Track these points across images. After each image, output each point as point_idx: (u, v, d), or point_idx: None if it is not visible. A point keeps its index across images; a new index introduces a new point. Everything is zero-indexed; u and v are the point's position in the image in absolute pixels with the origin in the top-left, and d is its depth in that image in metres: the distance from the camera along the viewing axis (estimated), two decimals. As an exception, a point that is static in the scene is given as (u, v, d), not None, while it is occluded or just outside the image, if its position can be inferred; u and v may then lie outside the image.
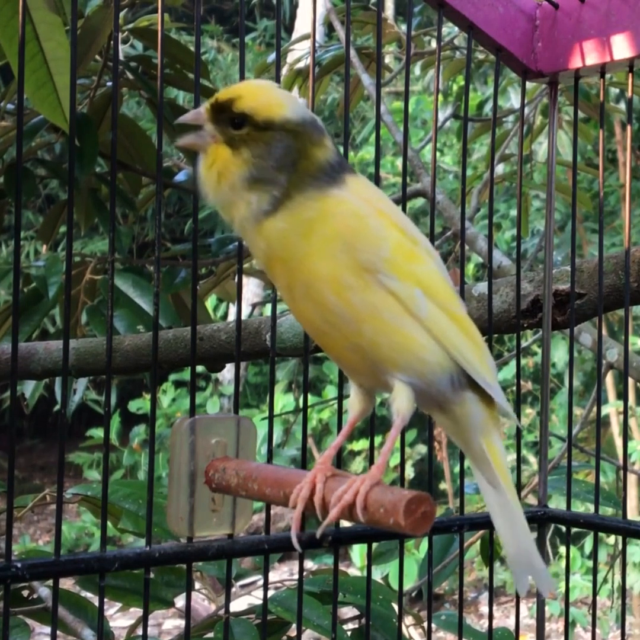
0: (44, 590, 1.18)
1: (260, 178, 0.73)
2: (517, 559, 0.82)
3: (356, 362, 0.76)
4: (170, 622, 4.58)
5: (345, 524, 0.80)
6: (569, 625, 1.07)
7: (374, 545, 1.05)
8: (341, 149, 0.82)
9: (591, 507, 1.09)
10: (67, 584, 1.06)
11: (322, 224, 0.72)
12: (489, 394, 0.78)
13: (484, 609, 4.84)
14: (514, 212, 5.34)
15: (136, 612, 1.17)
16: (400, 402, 0.74)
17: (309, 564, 4.33)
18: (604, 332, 3.39)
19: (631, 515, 4.09)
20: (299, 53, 2.30)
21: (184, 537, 0.84)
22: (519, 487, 1.05)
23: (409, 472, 5.52)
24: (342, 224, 0.72)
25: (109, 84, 1.74)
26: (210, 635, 1.17)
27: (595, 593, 1.03)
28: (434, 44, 2.86)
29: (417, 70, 2.89)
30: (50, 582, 1.02)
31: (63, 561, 0.78)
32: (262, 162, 0.73)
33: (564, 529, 1.06)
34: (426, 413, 0.82)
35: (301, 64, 2.22)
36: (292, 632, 1.20)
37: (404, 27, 2.59)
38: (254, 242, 0.75)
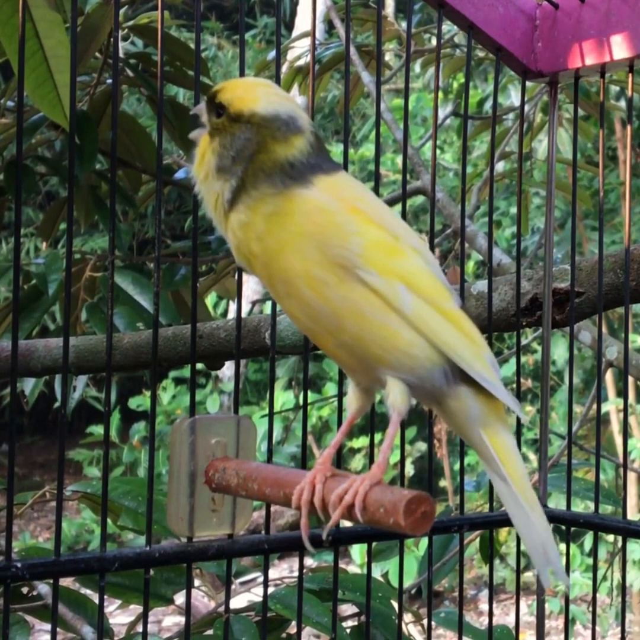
0: (43, 587, 1.18)
1: (221, 167, 0.76)
2: (534, 553, 0.81)
3: (346, 358, 0.76)
4: (170, 619, 4.58)
5: (345, 523, 0.80)
6: (568, 623, 1.07)
7: (374, 543, 1.05)
8: (341, 147, 0.82)
9: (591, 505, 1.09)
10: (67, 581, 1.06)
11: (288, 221, 0.73)
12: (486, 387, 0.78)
13: (484, 606, 4.85)
14: (514, 210, 5.34)
15: (136, 608, 1.17)
16: (395, 397, 0.74)
17: (308, 561, 4.33)
18: (604, 330, 3.39)
19: (631, 513, 4.09)
20: (299, 50, 2.30)
21: (184, 537, 0.84)
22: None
23: (409, 470, 5.52)
24: (308, 221, 0.73)
25: (109, 81, 1.74)
26: (210, 632, 1.17)
27: (595, 590, 1.03)
28: (434, 42, 2.85)
29: (417, 67, 2.89)
30: (50, 580, 1.02)
31: (63, 561, 0.78)
32: (224, 151, 0.76)
33: (564, 527, 1.06)
34: (426, 408, 0.82)
35: (301, 62, 2.22)
36: (292, 629, 1.20)
37: (404, 25, 2.58)
38: (226, 236, 0.77)
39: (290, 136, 0.76)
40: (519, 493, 0.80)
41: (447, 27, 2.60)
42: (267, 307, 4.05)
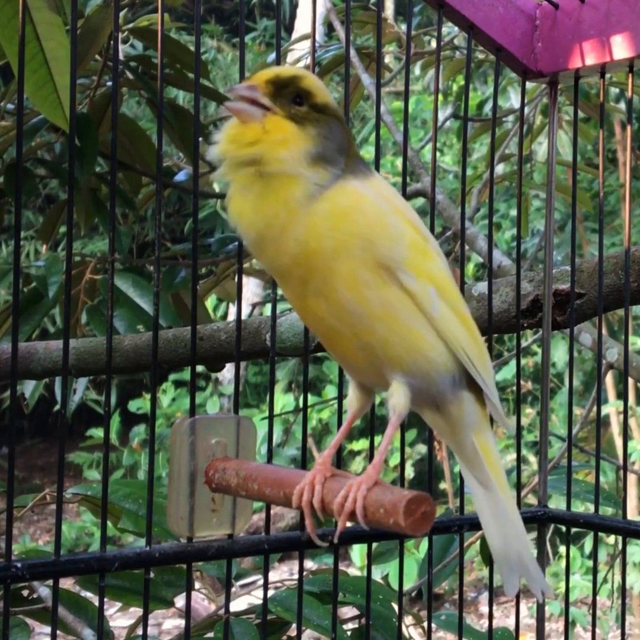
0: (43, 590, 1.18)
1: (324, 156, 0.73)
2: (506, 560, 0.82)
3: (361, 360, 0.75)
4: (170, 622, 4.58)
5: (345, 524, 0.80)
6: (569, 625, 1.07)
7: (374, 545, 1.05)
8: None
9: (591, 507, 1.09)
10: (67, 583, 1.06)
11: (346, 219, 0.72)
12: (483, 393, 0.78)
13: (484, 608, 4.85)
14: (513, 212, 5.34)
15: (136, 611, 1.17)
16: (397, 399, 0.74)
17: (309, 564, 4.33)
18: (604, 331, 3.39)
19: (631, 515, 4.09)
20: (299, 53, 2.30)
21: (184, 537, 0.84)
22: (519, 487, 1.05)
23: (409, 472, 5.52)
24: (365, 221, 0.72)
25: (109, 83, 1.74)
26: (210, 635, 1.17)
27: (595, 593, 1.03)
28: (433, 44, 2.85)
29: (417, 70, 2.89)
30: (50, 582, 1.02)
31: (63, 561, 0.78)
32: (327, 141, 0.73)
33: (564, 528, 1.06)
34: (417, 412, 0.81)
35: (301, 64, 2.22)
36: (292, 632, 1.20)
37: (403, 27, 2.59)
38: (291, 231, 0.71)
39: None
40: (503, 499, 0.81)
41: (447, 29, 2.60)
42: (267, 310, 4.05)
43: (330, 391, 5.76)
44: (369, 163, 0.78)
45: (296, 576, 0.94)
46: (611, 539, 3.82)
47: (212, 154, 0.73)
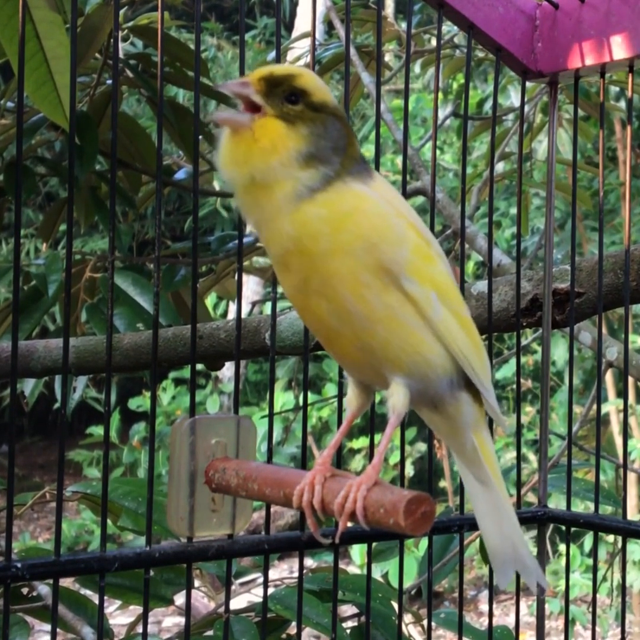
0: (43, 588, 1.18)
1: (317, 156, 0.72)
2: (502, 554, 0.82)
3: (360, 360, 0.75)
4: (170, 620, 4.58)
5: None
6: (568, 623, 1.07)
7: (374, 543, 1.05)
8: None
9: (591, 506, 1.09)
10: (67, 582, 1.06)
11: (348, 220, 0.71)
12: (481, 394, 0.79)
13: (484, 607, 4.85)
14: (513, 210, 5.34)
15: (136, 609, 1.17)
16: (397, 399, 0.74)
17: (308, 562, 4.33)
18: (604, 330, 3.39)
19: (631, 514, 4.09)
20: (299, 51, 2.30)
21: (184, 537, 0.84)
22: (519, 485, 1.05)
23: (409, 470, 5.52)
24: (368, 223, 0.72)
25: (109, 82, 1.74)
26: (210, 633, 1.17)
27: (595, 591, 1.03)
28: (434, 42, 2.85)
29: (417, 68, 2.89)
30: (50, 580, 1.02)
31: (63, 561, 0.78)
32: (320, 140, 0.73)
33: (563, 527, 1.06)
34: (416, 411, 0.81)
35: (301, 62, 2.22)
36: (292, 630, 1.20)
37: (403, 25, 2.59)
38: (279, 228, 0.72)
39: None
40: (500, 494, 0.81)
41: (447, 27, 2.60)
42: (267, 308, 4.05)
43: (330, 389, 5.76)
44: (369, 161, 0.78)
45: (296, 574, 0.94)
46: (611, 537, 3.82)
47: (216, 161, 0.75)
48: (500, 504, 0.82)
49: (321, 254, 0.71)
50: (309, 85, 0.74)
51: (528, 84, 1.11)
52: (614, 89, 3.96)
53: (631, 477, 4.22)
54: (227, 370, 5.63)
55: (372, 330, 0.72)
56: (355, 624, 1.25)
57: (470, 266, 5.38)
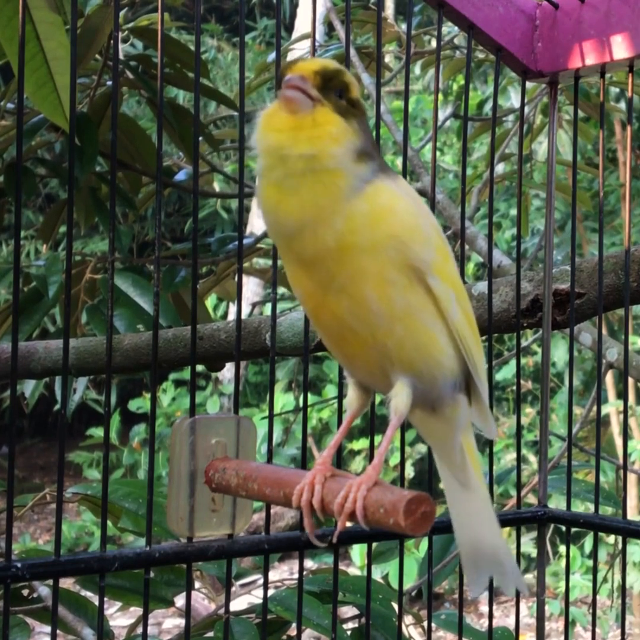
0: (43, 589, 1.18)
1: (366, 151, 0.72)
2: (476, 559, 0.82)
3: (371, 360, 0.74)
4: (170, 621, 4.57)
5: (346, 524, 0.80)
6: (568, 625, 1.07)
7: (374, 544, 1.05)
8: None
9: (591, 507, 1.09)
10: (67, 583, 1.06)
11: (385, 218, 0.71)
12: (474, 395, 0.79)
13: (484, 608, 4.84)
14: (514, 212, 5.34)
15: (136, 611, 1.17)
16: (400, 400, 0.74)
17: (308, 563, 4.33)
18: (604, 331, 3.39)
19: (631, 514, 4.09)
20: (299, 52, 2.30)
21: (184, 537, 0.84)
22: (519, 486, 1.05)
23: (409, 472, 5.51)
24: (400, 222, 0.71)
25: (109, 83, 1.74)
26: (210, 634, 1.17)
27: (595, 592, 1.03)
28: (434, 43, 2.85)
29: (417, 69, 2.89)
30: (50, 581, 1.02)
31: (63, 561, 0.78)
32: (366, 136, 0.73)
33: (564, 528, 1.06)
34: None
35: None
36: (292, 631, 1.20)
37: (404, 27, 2.59)
38: (327, 219, 0.70)
39: None
40: (485, 499, 0.81)
41: (447, 28, 2.60)
42: (267, 309, 4.05)
43: (330, 390, 5.76)
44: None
45: (296, 575, 0.94)
46: (611, 539, 3.82)
47: (262, 143, 0.71)
48: (483, 507, 0.81)
49: (357, 250, 0.70)
50: (351, 81, 0.73)
51: (528, 85, 1.11)
52: (614, 90, 3.96)
53: (631, 478, 4.22)
54: (228, 372, 5.63)
55: (390, 329, 0.72)
56: (356, 625, 1.25)
57: (470, 267, 5.38)
